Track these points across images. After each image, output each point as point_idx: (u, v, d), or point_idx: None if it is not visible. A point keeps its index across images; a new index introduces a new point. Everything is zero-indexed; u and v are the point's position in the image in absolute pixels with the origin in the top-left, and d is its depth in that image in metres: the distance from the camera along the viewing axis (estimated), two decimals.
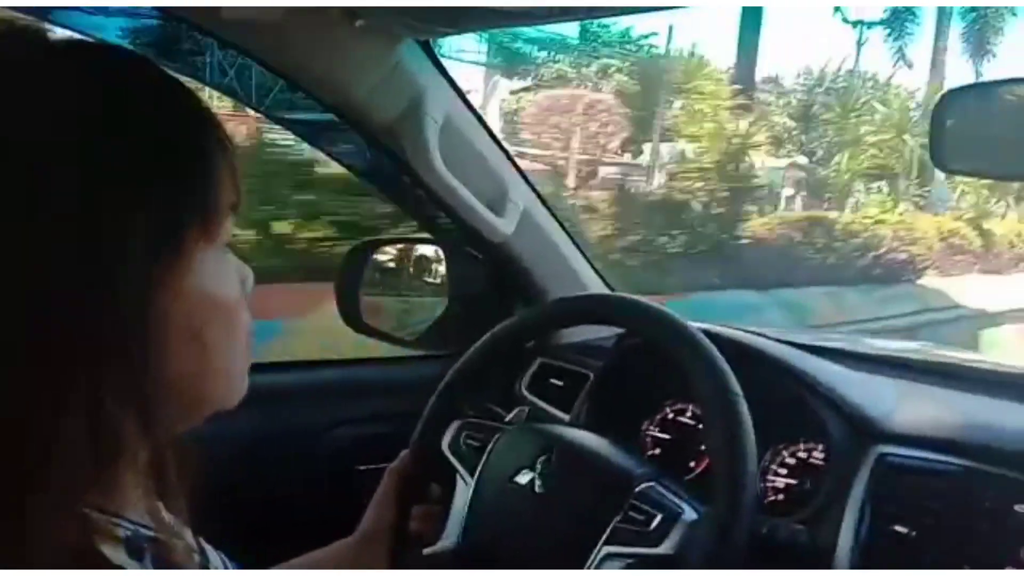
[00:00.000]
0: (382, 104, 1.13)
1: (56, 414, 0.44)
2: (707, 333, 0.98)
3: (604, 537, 0.88)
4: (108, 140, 0.47)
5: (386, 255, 1.63)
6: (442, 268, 1.59)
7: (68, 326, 0.45)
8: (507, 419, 1.17)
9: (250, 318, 0.59)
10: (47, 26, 0.51)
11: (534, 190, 1.39)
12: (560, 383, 1.42)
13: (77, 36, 0.54)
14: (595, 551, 0.87)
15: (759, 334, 1.22)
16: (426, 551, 1.00)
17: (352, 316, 1.53)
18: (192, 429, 0.55)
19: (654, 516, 0.87)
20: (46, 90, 0.47)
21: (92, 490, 0.46)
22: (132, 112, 0.49)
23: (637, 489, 0.91)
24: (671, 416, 1.27)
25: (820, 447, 1.04)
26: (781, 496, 1.09)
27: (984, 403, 1.10)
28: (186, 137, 0.52)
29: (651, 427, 1.29)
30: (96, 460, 0.46)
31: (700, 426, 1.18)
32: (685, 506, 0.88)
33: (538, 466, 0.97)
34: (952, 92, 0.81)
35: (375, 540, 1.01)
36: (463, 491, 1.02)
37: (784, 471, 1.10)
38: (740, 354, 1.03)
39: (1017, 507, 0.86)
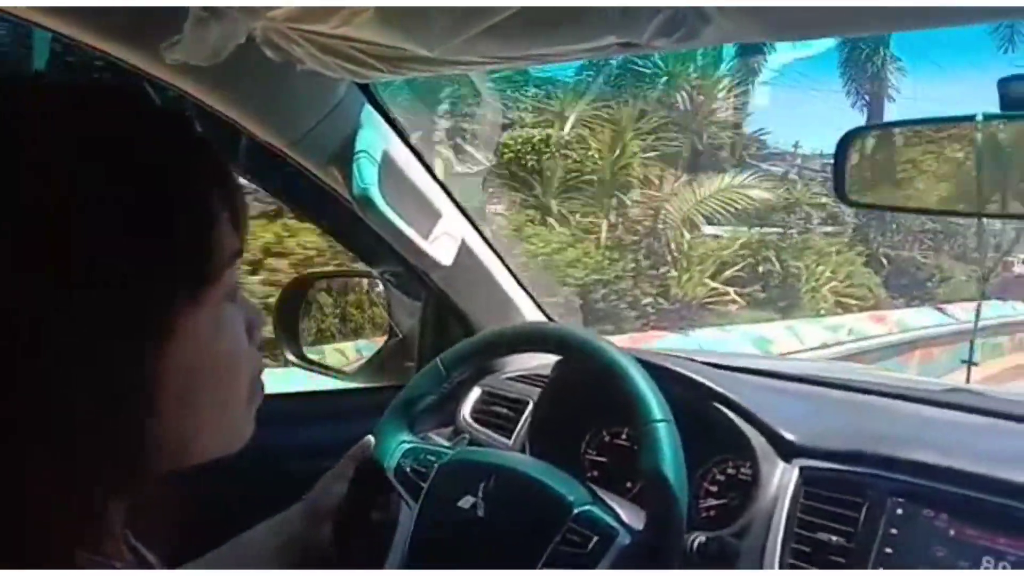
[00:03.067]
0: (322, 143, 1.16)
1: (51, 469, 0.44)
2: (638, 359, 1.03)
3: (543, 559, 0.91)
4: (105, 192, 0.45)
5: (325, 288, 1.65)
6: (381, 300, 1.61)
7: (61, 383, 0.44)
8: (450, 446, 1.20)
9: (258, 362, 0.58)
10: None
11: (471, 222, 1.43)
12: (501, 410, 1.45)
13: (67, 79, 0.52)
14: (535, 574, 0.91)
15: (687, 358, 1.28)
16: (370, 573, 1.02)
17: (292, 349, 1.54)
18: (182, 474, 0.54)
19: (590, 539, 0.92)
20: (36, 141, 0.45)
21: (85, 533, 0.46)
22: (127, 163, 0.47)
23: (574, 512, 0.94)
24: (608, 439, 1.32)
25: (747, 464, 1.09)
26: (713, 512, 1.15)
27: (893, 416, 1.18)
28: (184, 188, 0.50)
29: (589, 450, 1.33)
30: (89, 512, 0.46)
31: (635, 447, 1.23)
32: (620, 528, 0.92)
33: (480, 491, 1.00)
34: (852, 131, 0.89)
35: (322, 511, 1.00)
36: (407, 516, 1.04)
37: (715, 488, 1.16)
38: (669, 378, 1.09)
39: (925, 512, 0.92)
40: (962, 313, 10.62)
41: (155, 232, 0.47)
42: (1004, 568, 0.86)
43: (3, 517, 0.43)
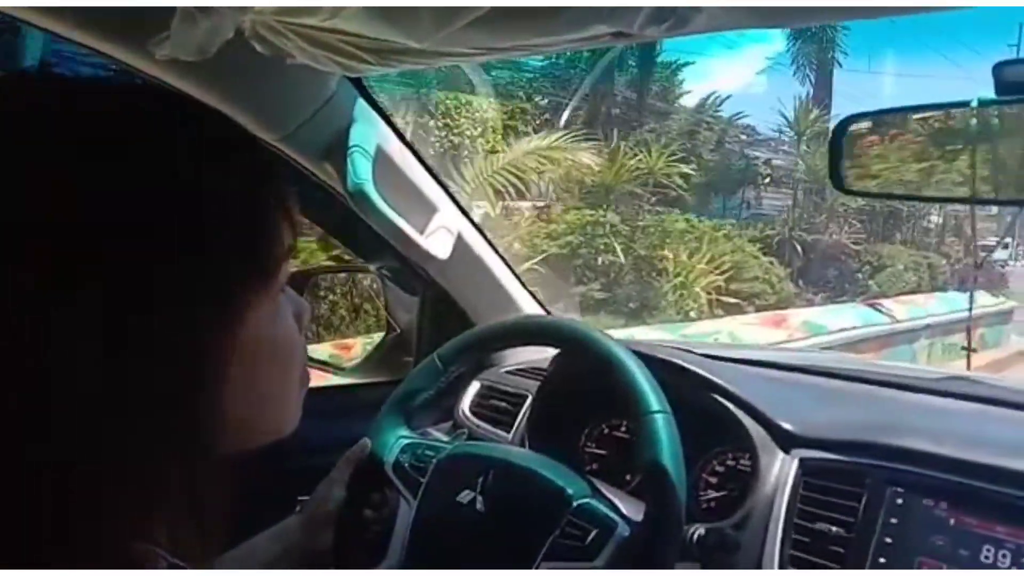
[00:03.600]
0: (315, 138, 1.15)
1: (117, 460, 0.45)
2: (636, 352, 1.02)
3: (542, 553, 0.91)
4: (166, 190, 0.47)
5: (322, 284, 1.64)
6: (379, 296, 1.61)
7: (125, 375, 0.45)
8: (448, 441, 1.20)
9: (305, 350, 0.61)
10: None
11: (467, 216, 1.42)
12: (500, 404, 1.44)
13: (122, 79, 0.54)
14: (534, 567, 0.91)
15: (685, 350, 1.28)
16: (370, 573, 1.02)
17: None
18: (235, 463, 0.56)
19: (589, 531, 0.91)
20: (96, 138, 0.47)
21: (143, 523, 0.48)
22: (187, 160, 0.49)
23: (574, 505, 0.94)
24: (607, 431, 1.32)
25: (746, 455, 1.09)
26: (714, 503, 1.14)
27: (891, 405, 1.17)
28: (243, 185, 0.52)
29: (588, 442, 1.33)
30: (151, 502, 0.47)
31: (634, 439, 1.23)
32: (619, 521, 0.92)
33: (478, 486, 1.00)
34: (847, 119, 0.88)
35: (321, 519, 1.01)
36: (405, 512, 1.04)
37: (715, 479, 1.15)
38: (667, 370, 1.08)
39: (924, 501, 0.92)
40: (901, 309, 9.05)
41: (224, 226, 0.50)
42: (1004, 556, 0.85)
43: (67, 503, 0.44)
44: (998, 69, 0.72)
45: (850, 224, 13.62)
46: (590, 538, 0.90)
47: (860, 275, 12.96)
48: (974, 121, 0.76)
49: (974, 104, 0.75)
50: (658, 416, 0.92)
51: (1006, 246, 31.73)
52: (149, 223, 0.46)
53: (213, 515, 0.54)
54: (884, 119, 0.88)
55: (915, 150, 0.86)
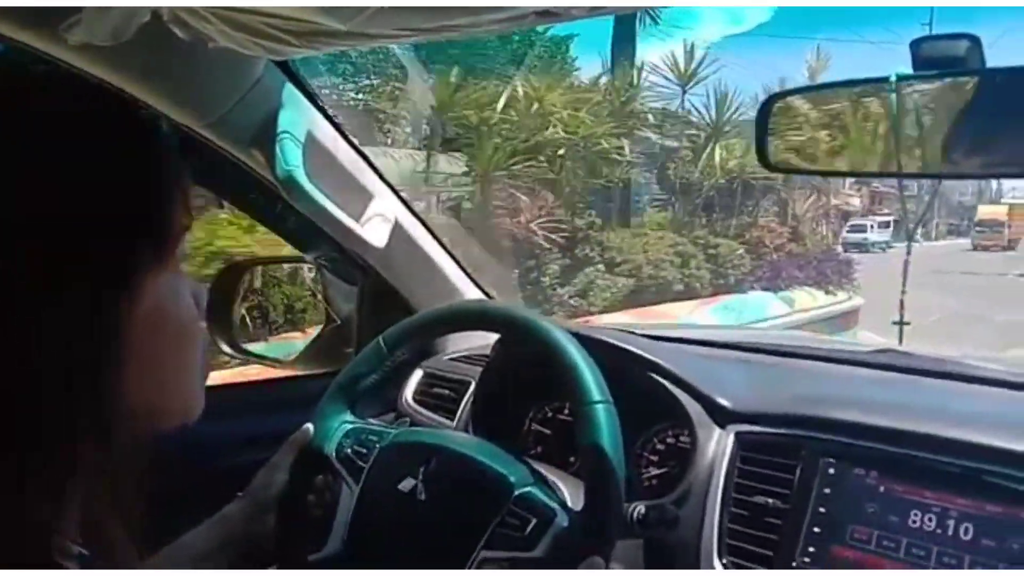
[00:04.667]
0: (242, 124, 1.12)
1: (19, 442, 0.45)
2: (576, 335, 1.02)
3: (482, 541, 0.91)
4: (62, 169, 0.48)
5: (258, 275, 1.61)
6: (316, 286, 1.58)
7: (27, 354, 0.45)
8: (392, 427, 1.18)
9: (206, 334, 0.60)
10: None
11: (404, 203, 1.40)
12: (443, 392, 1.44)
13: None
14: (473, 555, 0.90)
15: (626, 331, 1.29)
16: (311, 557, 1.00)
17: (226, 339, 1.50)
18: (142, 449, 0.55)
19: (529, 521, 0.91)
20: None
21: (52, 510, 0.47)
22: (82, 140, 0.50)
23: (515, 494, 0.94)
24: (550, 415, 1.32)
25: (685, 432, 1.10)
26: (655, 480, 1.16)
27: (825, 378, 1.20)
28: (139, 162, 0.53)
29: (532, 426, 1.33)
30: (58, 484, 0.47)
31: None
32: (559, 511, 0.92)
33: (420, 473, 0.99)
34: (773, 96, 0.89)
35: (263, 504, 1.00)
36: (348, 497, 1.03)
37: (656, 457, 1.17)
38: (606, 350, 1.09)
39: (856, 470, 0.95)
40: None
41: (117, 200, 0.50)
42: (930, 520, 0.88)
43: None
44: (915, 45, 0.74)
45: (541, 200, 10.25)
46: (529, 528, 0.90)
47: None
48: (893, 96, 0.77)
49: (892, 79, 0.77)
50: (599, 407, 0.92)
51: (887, 225, 31.46)
52: (33, 204, 0.46)
53: (126, 503, 0.54)
54: (807, 96, 0.89)
55: (838, 125, 0.88)
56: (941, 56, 0.73)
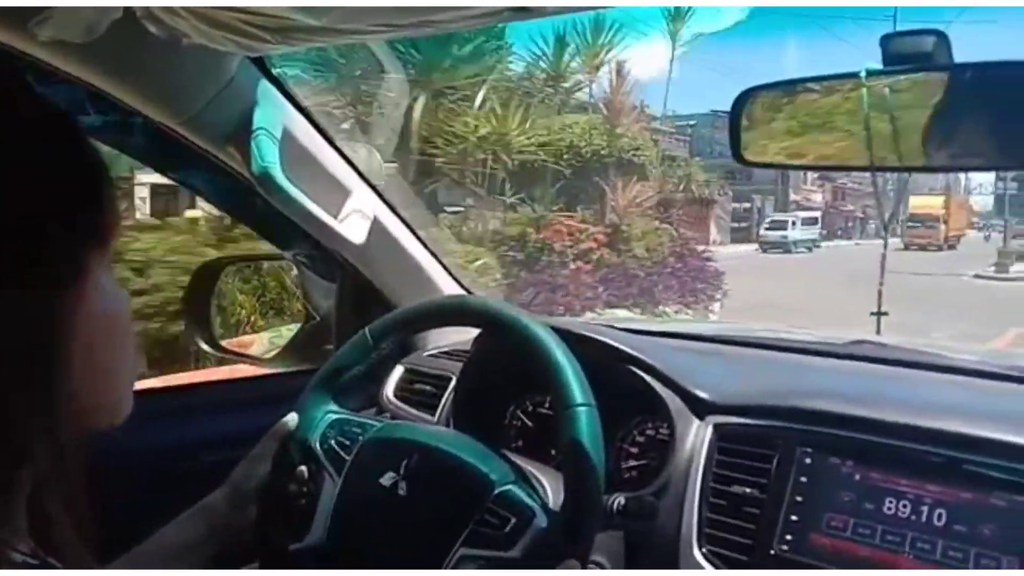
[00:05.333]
0: (217, 121, 1.12)
1: None
2: (556, 330, 1.02)
3: (461, 539, 0.91)
4: (9, 176, 0.49)
5: (236, 273, 1.60)
6: (295, 283, 1.57)
7: None
8: (376, 420, 1.18)
9: (134, 336, 0.61)
10: None
11: (383, 198, 1.40)
12: (424, 387, 1.44)
13: None
14: (452, 552, 0.91)
15: (606, 325, 1.30)
16: (292, 547, 1.00)
17: (204, 336, 1.49)
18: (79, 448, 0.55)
19: (508, 520, 0.91)
20: None
21: None
22: (27, 143, 0.50)
23: (495, 492, 0.94)
24: (531, 408, 1.33)
25: (664, 424, 1.11)
26: (634, 472, 1.17)
27: (801, 370, 1.22)
28: (79, 164, 0.54)
29: (513, 421, 1.34)
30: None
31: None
32: (538, 511, 0.92)
33: (402, 468, 0.99)
34: (745, 92, 0.90)
35: (244, 494, 1.01)
36: (330, 489, 1.03)
37: (635, 449, 1.18)
38: (586, 344, 1.09)
39: (832, 459, 0.96)
40: None
41: (51, 199, 0.51)
42: (904, 506, 0.90)
43: None
44: (884, 41, 0.75)
45: None
46: (509, 527, 0.90)
47: None
48: (864, 91, 0.78)
49: (863, 74, 0.78)
50: (581, 410, 0.92)
51: (813, 222, 28.70)
52: None
53: (72, 504, 0.53)
54: (780, 91, 0.90)
55: (810, 120, 0.89)
56: (909, 52, 0.75)
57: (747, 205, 30.68)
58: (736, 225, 28.86)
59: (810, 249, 27.64)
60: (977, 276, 18.99)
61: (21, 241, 0.48)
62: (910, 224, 29.57)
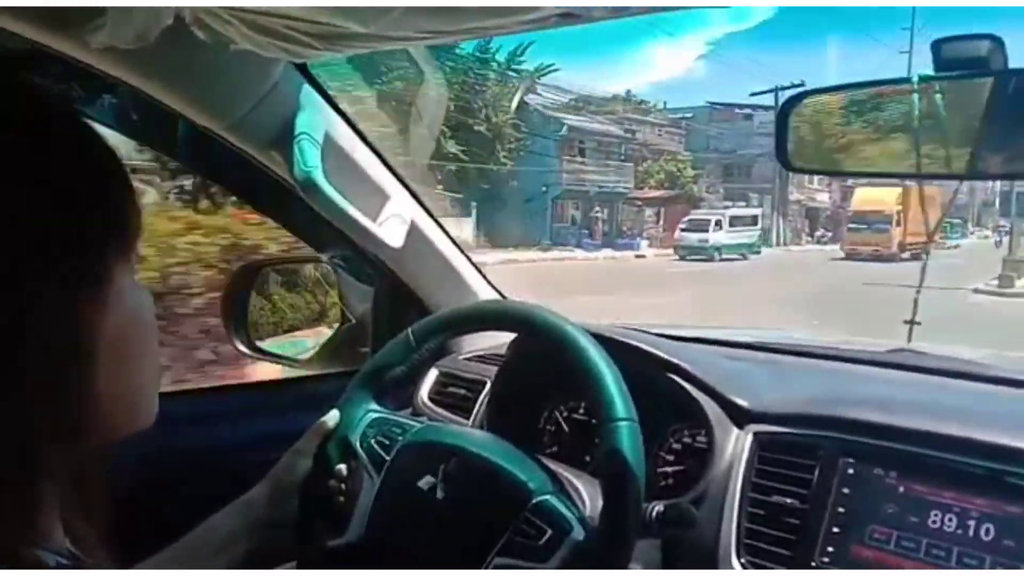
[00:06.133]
0: (261, 125, 1.13)
1: None
2: (595, 335, 1.02)
3: (497, 548, 0.91)
4: (33, 182, 0.49)
5: (275, 276, 1.62)
6: (333, 286, 1.59)
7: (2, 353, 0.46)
8: (417, 421, 1.18)
9: (156, 341, 0.60)
10: None
11: (420, 203, 1.41)
12: (459, 391, 1.44)
13: None
14: (488, 559, 0.90)
15: (641, 331, 1.29)
16: (330, 543, 1.01)
17: (242, 339, 1.51)
18: (106, 453, 0.56)
19: (544, 532, 0.90)
20: None
21: (19, 519, 0.47)
22: (50, 151, 0.50)
23: (532, 502, 0.93)
24: (566, 414, 1.33)
25: (702, 431, 1.11)
26: (672, 480, 1.16)
27: (842, 378, 1.20)
28: (101, 171, 0.54)
29: (548, 425, 1.34)
30: (24, 487, 0.47)
31: (594, 421, 1.23)
32: (575, 524, 0.91)
33: (440, 472, 0.99)
34: (792, 98, 0.89)
35: (284, 490, 1.01)
36: (369, 487, 1.03)
37: (672, 456, 1.17)
38: (624, 351, 1.09)
39: (875, 470, 0.95)
40: None
41: (78, 206, 0.51)
42: (950, 520, 0.88)
43: None
44: (936, 46, 0.74)
45: None
46: (544, 539, 0.90)
47: None
48: (916, 97, 0.77)
49: (915, 80, 0.77)
50: (623, 425, 0.91)
51: (752, 222, 22.81)
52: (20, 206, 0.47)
53: (95, 508, 0.54)
54: (829, 97, 0.89)
55: (860, 126, 0.88)
56: (963, 57, 0.73)
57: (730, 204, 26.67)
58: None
59: (745, 256, 22.68)
60: (977, 291, 16.08)
61: (41, 246, 0.48)
62: (851, 227, 23.83)
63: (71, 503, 0.53)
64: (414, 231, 1.37)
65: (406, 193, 1.36)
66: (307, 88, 1.15)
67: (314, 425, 1.08)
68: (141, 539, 0.65)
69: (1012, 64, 0.72)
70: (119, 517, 0.56)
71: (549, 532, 0.90)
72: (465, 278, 1.53)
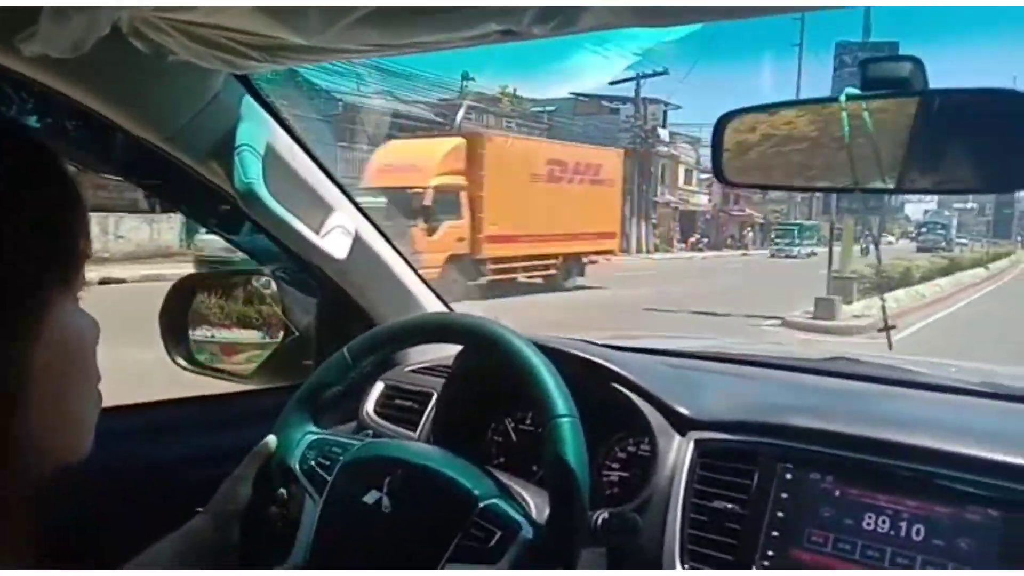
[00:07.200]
0: (201, 137, 1.11)
1: None
2: (540, 346, 1.03)
3: (447, 555, 0.91)
4: None
5: (214, 289, 1.59)
6: (275, 299, 1.56)
7: None
8: (356, 438, 1.18)
9: (97, 368, 0.59)
10: None
11: (365, 215, 1.40)
12: (405, 403, 1.44)
13: None
14: (438, 568, 0.90)
15: (587, 341, 1.31)
16: (274, 571, 1.00)
17: (181, 352, 1.48)
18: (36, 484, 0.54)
19: (494, 534, 0.91)
20: None
21: None
22: None
23: (479, 506, 0.94)
24: (513, 425, 1.33)
25: (646, 440, 1.12)
26: (617, 488, 1.17)
27: (781, 386, 1.23)
28: (42, 192, 0.52)
29: (495, 437, 1.34)
30: None
31: (539, 430, 1.24)
32: (523, 523, 0.92)
33: (384, 486, 0.99)
34: (726, 115, 0.92)
35: (226, 517, 1.00)
36: (311, 510, 1.02)
37: (617, 464, 1.18)
38: (568, 361, 1.10)
39: (812, 475, 0.97)
40: None
41: (21, 231, 0.49)
42: (883, 522, 0.91)
43: None
44: (863, 66, 0.77)
45: None
46: (494, 540, 0.91)
47: None
48: (845, 114, 0.80)
49: (843, 99, 0.80)
50: (565, 421, 0.93)
51: None
52: None
53: (24, 539, 0.52)
54: (761, 114, 0.92)
55: (791, 142, 0.91)
56: (887, 77, 0.77)
57: None
58: None
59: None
60: (785, 324, 11.31)
61: None
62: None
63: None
64: (358, 243, 1.36)
65: (350, 205, 1.35)
66: (248, 99, 1.13)
67: (252, 452, 1.07)
68: (85, 556, 0.64)
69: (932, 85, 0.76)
70: (53, 544, 0.54)
71: (499, 533, 0.91)
72: (410, 289, 1.53)
